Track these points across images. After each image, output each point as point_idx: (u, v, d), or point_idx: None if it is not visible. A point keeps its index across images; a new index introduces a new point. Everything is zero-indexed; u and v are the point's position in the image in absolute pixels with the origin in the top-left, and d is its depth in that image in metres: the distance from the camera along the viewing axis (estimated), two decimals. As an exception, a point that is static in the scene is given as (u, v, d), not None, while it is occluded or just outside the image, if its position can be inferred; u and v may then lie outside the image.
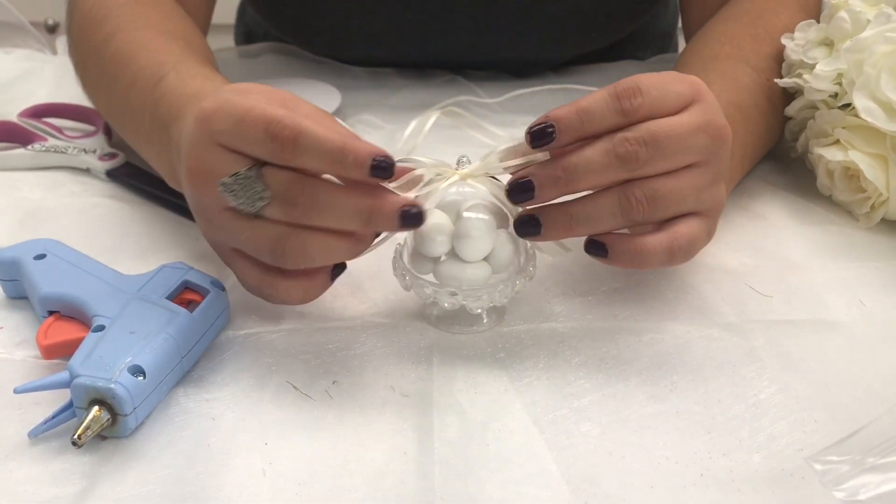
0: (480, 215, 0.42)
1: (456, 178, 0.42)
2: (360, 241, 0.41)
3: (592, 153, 0.41)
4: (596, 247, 0.42)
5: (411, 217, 0.39)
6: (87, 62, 0.61)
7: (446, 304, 0.43)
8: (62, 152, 0.62)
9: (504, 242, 0.43)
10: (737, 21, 0.63)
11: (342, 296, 0.48)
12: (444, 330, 0.45)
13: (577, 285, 0.48)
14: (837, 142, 0.56)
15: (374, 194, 0.39)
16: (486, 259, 0.43)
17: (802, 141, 0.59)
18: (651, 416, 0.40)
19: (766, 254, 0.52)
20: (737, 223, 0.55)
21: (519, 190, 0.41)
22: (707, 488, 0.36)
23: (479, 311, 0.44)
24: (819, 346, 0.44)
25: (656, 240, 0.42)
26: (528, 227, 0.42)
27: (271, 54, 0.83)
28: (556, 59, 0.79)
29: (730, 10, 0.64)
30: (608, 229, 0.43)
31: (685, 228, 0.43)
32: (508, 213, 0.43)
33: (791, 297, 0.48)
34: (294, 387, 0.41)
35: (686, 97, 0.43)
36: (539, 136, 0.40)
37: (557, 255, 0.46)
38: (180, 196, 0.46)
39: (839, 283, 0.49)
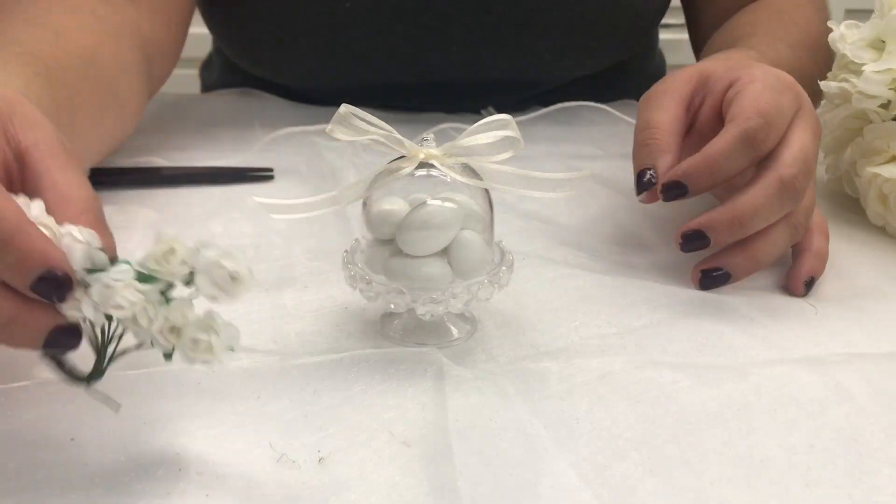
0: (443, 203, 0.40)
1: (421, 157, 0.40)
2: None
3: (762, 199, 0.45)
4: (718, 278, 0.47)
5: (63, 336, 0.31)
6: None
7: (392, 306, 0.40)
8: None
9: (469, 244, 0.40)
10: (760, 12, 0.64)
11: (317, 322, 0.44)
12: (406, 345, 0.42)
13: (611, 317, 0.45)
14: (895, 158, 0.53)
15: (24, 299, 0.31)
16: (447, 260, 0.40)
17: (848, 159, 0.56)
18: (729, 467, 0.34)
19: (828, 282, 0.49)
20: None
21: (693, 238, 0.45)
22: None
23: (429, 316, 0.41)
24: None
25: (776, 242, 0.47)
26: (715, 281, 0.47)
27: (237, 96, 0.82)
28: (555, 78, 0.77)
29: (748, 10, 0.65)
30: (779, 258, 0.47)
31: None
32: (481, 213, 0.41)
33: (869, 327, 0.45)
34: (271, 446, 0.35)
35: (795, 105, 0.46)
36: (672, 188, 0.45)
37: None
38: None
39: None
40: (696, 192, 0.45)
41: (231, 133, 0.73)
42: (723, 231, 0.45)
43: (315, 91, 0.78)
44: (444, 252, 0.40)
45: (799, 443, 0.36)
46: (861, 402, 0.38)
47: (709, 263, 0.47)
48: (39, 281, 0.30)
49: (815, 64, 0.62)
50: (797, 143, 0.45)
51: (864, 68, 0.53)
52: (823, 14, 0.67)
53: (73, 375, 0.34)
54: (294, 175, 0.64)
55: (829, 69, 0.59)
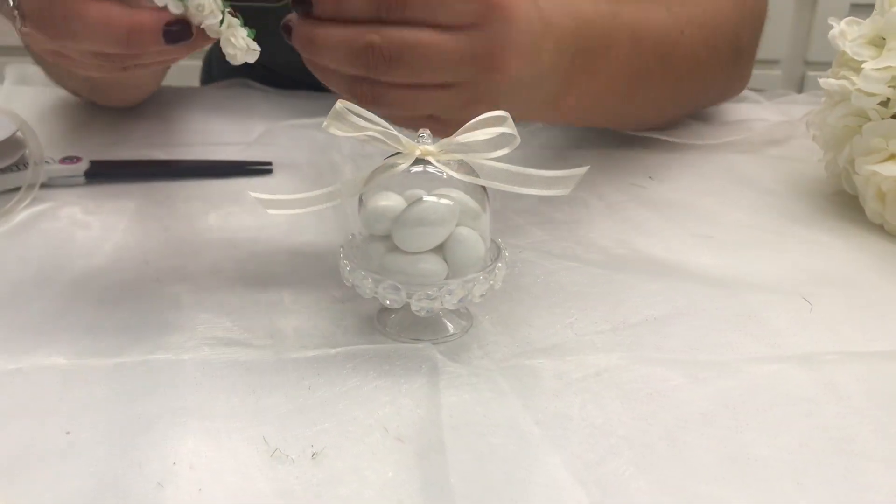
0: (439, 200, 0.40)
1: (417, 153, 0.40)
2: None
3: (337, 41, 0.41)
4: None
5: (175, 34, 0.38)
6: None
7: (387, 302, 0.40)
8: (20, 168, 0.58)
9: (465, 240, 0.40)
10: None
11: (313, 317, 0.44)
12: (402, 341, 0.42)
13: (607, 314, 0.45)
14: (893, 157, 0.53)
15: (133, 12, 0.37)
16: (443, 257, 0.40)
17: (846, 156, 0.56)
18: (719, 465, 0.34)
19: (824, 281, 0.49)
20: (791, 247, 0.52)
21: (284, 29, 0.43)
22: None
23: (424, 312, 0.41)
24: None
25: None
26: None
27: (238, 88, 0.84)
28: None
29: None
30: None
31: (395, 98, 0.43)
32: (477, 209, 0.41)
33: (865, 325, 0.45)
34: (265, 440, 0.35)
35: (472, 16, 0.41)
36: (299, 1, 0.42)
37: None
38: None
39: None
40: (319, 10, 0.41)
41: (230, 126, 0.73)
42: (299, 37, 0.42)
43: (296, 71, 0.79)
44: (440, 248, 0.40)
45: (790, 442, 0.36)
46: (854, 401, 0.38)
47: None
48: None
49: (703, 42, 0.63)
50: (424, 40, 0.40)
51: (863, 66, 0.53)
52: (738, 6, 0.66)
53: None
54: (293, 169, 0.64)
55: (735, 51, 0.64)
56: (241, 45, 0.41)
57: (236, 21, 0.41)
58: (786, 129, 0.73)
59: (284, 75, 0.84)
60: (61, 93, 0.77)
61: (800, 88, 1.67)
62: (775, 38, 1.61)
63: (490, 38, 0.42)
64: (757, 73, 0.75)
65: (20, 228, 0.54)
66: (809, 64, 1.67)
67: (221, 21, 0.40)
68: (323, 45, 0.42)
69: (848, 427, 0.37)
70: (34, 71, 0.82)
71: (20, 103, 0.74)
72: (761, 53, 0.73)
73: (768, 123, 0.74)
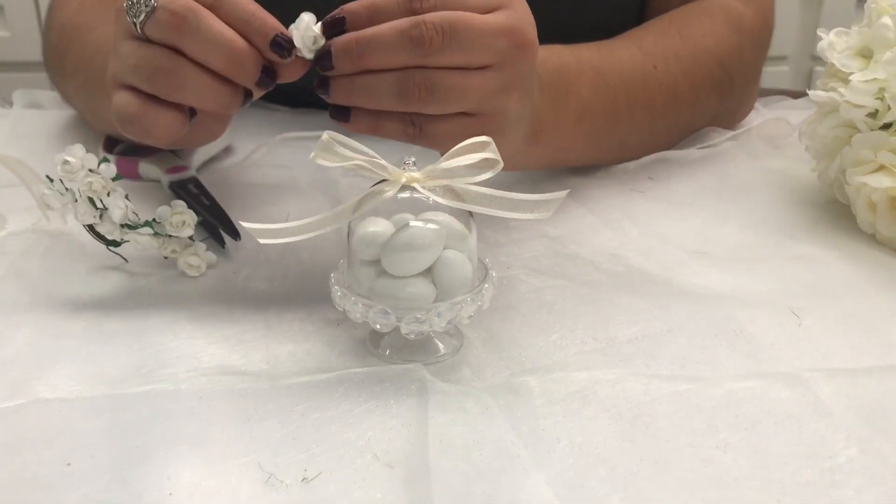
0: (426, 225, 0.41)
1: (403, 180, 0.41)
2: (233, 95, 0.45)
3: (387, 30, 0.43)
4: (338, 111, 0.46)
5: (278, 45, 0.44)
6: (74, 71, 0.65)
7: (377, 326, 0.41)
8: None
9: (452, 263, 0.41)
10: (656, 21, 0.67)
11: (308, 340, 0.46)
12: (394, 362, 0.43)
13: (596, 332, 0.46)
14: (882, 167, 0.53)
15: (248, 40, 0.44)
16: (431, 280, 0.41)
17: (837, 167, 0.56)
18: (702, 486, 0.35)
19: (816, 294, 0.50)
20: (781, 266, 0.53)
21: (320, 57, 0.44)
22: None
23: (412, 336, 0.42)
24: None
25: (395, 124, 0.45)
26: (319, 89, 0.45)
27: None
28: None
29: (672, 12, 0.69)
30: (384, 107, 0.45)
31: (440, 126, 0.45)
32: (464, 232, 0.42)
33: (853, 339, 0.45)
34: (259, 467, 0.36)
35: (492, 3, 0.45)
36: (331, 25, 0.44)
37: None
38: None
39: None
40: (352, 29, 0.44)
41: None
42: (340, 52, 0.44)
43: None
44: (428, 272, 0.41)
45: (773, 461, 0.36)
46: (838, 418, 0.39)
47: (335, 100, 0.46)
48: (273, 43, 0.44)
49: (682, 74, 0.64)
50: (466, 16, 0.43)
51: (851, 77, 0.54)
52: (734, 27, 0.68)
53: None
54: (296, 191, 0.65)
55: (723, 79, 0.66)
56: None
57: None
58: (775, 128, 0.73)
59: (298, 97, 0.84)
60: (70, 116, 0.78)
61: (808, 84, 1.66)
62: (783, 35, 1.60)
63: (512, 15, 0.45)
64: (765, 69, 0.75)
65: (17, 249, 0.55)
66: (817, 59, 1.67)
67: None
68: (378, 43, 0.43)
69: (831, 444, 0.37)
70: (42, 95, 0.83)
71: (29, 127, 0.76)
72: (770, 50, 0.73)
73: (763, 121, 0.75)
